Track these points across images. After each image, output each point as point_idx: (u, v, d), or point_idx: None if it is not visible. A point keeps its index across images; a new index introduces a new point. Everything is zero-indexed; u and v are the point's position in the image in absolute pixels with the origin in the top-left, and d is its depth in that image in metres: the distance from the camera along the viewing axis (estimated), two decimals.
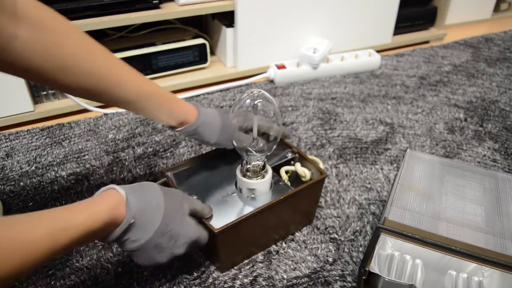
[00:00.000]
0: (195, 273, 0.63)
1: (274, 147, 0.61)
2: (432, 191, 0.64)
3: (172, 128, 0.63)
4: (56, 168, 0.83)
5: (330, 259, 0.66)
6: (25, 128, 0.96)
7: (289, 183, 0.68)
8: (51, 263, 0.64)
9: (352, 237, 0.70)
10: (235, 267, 0.65)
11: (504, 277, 0.52)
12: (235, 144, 0.61)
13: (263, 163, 0.61)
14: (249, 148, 0.59)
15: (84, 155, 0.87)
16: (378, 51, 1.31)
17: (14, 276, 0.38)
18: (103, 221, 0.46)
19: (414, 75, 1.24)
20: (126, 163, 0.85)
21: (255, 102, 0.57)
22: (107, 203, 0.47)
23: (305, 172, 0.67)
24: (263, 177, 0.62)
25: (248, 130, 0.62)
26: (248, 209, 0.60)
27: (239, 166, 0.63)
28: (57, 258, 0.63)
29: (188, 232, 0.54)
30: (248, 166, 0.61)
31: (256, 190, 0.62)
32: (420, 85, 1.19)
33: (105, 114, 1.01)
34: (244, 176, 0.62)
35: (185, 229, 0.53)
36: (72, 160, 0.86)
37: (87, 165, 0.84)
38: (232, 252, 0.63)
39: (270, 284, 0.62)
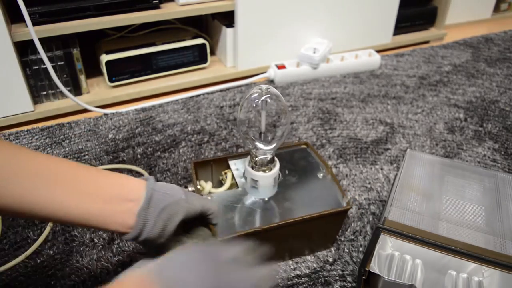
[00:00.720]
0: None
1: (281, 142, 0.61)
2: (432, 191, 0.64)
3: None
4: None
5: (330, 259, 0.66)
6: (25, 128, 0.96)
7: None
8: (51, 262, 0.64)
9: (352, 237, 0.70)
10: None
11: (504, 277, 0.52)
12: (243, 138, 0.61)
13: (271, 157, 0.61)
14: (257, 143, 0.60)
15: (84, 155, 0.87)
16: (378, 51, 1.31)
17: None
18: None
19: (414, 75, 1.24)
20: (126, 163, 0.85)
21: (264, 97, 0.58)
22: None
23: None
24: (270, 170, 0.62)
25: (256, 125, 0.62)
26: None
27: (248, 157, 0.63)
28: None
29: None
30: (256, 159, 0.61)
31: (259, 182, 0.62)
32: (420, 85, 1.19)
33: (105, 114, 1.01)
34: (252, 167, 0.62)
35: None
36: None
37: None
38: None
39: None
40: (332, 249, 0.68)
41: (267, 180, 0.62)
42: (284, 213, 0.61)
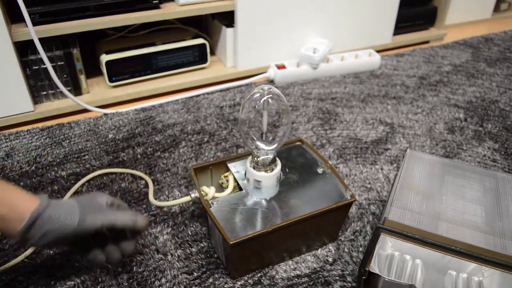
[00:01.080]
0: (195, 273, 0.63)
1: (283, 142, 0.61)
2: (432, 191, 0.64)
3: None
4: (56, 168, 0.83)
5: (330, 259, 0.66)
6: (25, 128, 0.96)
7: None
8: (51, 262, 0.64)
9: (352, 237, 0.70)
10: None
11: (504, 277, 0.52)
12: (244, 139, 0.61)
13: (272, 157, 0.61)
14: (258, 143, 0.60)
15: (84, 155, 0.87)
16: (378, 51, 1.31)
17: None
18: None
19: (414, 75, 1.24)
20: (126, 163, 0.85)
21: (265, 98, 0.58)
22: None
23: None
24: (272, 170, 0.62)
25: (258, 125, 0.62)
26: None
27: (249, 157, 0.63)
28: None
29: None
30: (257, 160, 0.61)
31: (262, 183, 0.62)
32: (420, 85, 1.19)
33: (105, 114, 1.01)
34: (253, 168, 0.62)
35: None
36: (72, 160, 0.86)
37: (87, 165, 0.84)
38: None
39: (271, 284, 0.62)
40: (332, 249, 0.68)
41: (270, 180, 0.62)
42: (290, 211, 0.61)
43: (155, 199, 0.76)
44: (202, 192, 0.63)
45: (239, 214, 0.60)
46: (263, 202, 0.63)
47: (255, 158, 0.61)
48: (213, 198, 0.63)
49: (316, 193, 0.64)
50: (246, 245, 0.57)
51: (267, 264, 0.65)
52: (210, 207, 0.61)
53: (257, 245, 0.59)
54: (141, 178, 0.81)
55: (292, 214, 0.60)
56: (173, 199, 0.76)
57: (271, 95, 0.58)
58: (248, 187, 0.64)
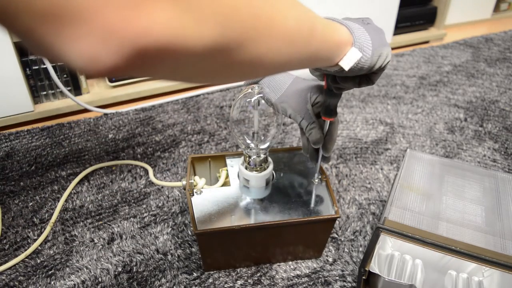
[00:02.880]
0: (195, 273, 0.63)
1: (274, 142, 0.61)
2: (432, 191, 0.64)
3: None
4: (56, 168, 0.83)
5: (330, 259, 0.66)
6: (25, 128, 0.96)
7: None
8: (51, 262, 0.64)
9: (352, 237, 0.70)
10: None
11: (504, 277, 0.52)
12: (237, 139, 0.61)
13: (264, 157, 0.61)
14: (249, 142, 0.60)
15: (84, 155, 0.87)
16: None
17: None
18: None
19: (414, 75, 1.24)
20: (126, 163, 0.85)
21: (256, 97, 0.58)
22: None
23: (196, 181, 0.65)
24: (262, 170, 0.62)
25: (249, 125, 0.62)
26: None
27: (243, 157, 0.63)
28: None
29: None
30: (248, 159, 0.61)
31: (250, 182, 0.62)
32: (420, 85, 1.19)
33: (105, 114, 1.01)
34: (245, 167, 0.62)
35: None
36: (72, 160, 0.86)
37: (87, 165, 0.84)
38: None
39: (271, 284, 0.62)
40: (332, 249, 0.68)
41: (258, 180, 0.62)
42: (271, 215, 0.60)
43: (155, 199, 0.76)
44: (192, 181, 0.63)
45: (219, 208, 0.60)
46: (248, 201, 0.62)
47: (247, 158, 0.61)
48: (202, 189, 0.63)
49: (304, 203, 0.62)
50: (212, 238, 0.57)
51: (236, 265, 0.64)
52: (193, 195, 0.61)
53: (224, 241, 0.59)
54: (141, 177, 0.81)
55: (269, 218, 0.59)
56: (173, 199, 0.76)
57: (261, 95, 0.58)
58: (238, 185, 0.64)
